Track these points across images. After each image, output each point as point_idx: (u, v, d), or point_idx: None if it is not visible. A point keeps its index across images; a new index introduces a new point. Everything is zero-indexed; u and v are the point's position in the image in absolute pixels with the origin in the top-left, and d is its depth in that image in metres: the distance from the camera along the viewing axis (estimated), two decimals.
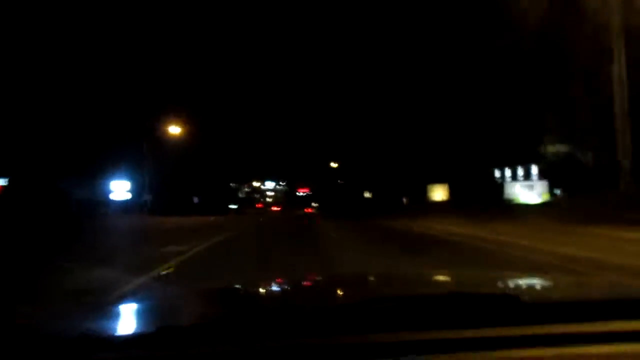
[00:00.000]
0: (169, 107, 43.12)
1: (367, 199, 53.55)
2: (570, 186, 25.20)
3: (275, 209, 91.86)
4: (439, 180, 42.42)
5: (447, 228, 16.92)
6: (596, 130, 22.72)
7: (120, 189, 45.14)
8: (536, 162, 37.42)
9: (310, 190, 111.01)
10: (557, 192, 26.92)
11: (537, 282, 2.06)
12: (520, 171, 40.66)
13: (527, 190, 27.92)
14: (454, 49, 39.50)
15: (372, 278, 2.43)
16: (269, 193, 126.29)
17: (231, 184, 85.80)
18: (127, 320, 1.57)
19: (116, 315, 1.61)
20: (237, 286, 2.28)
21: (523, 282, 2.05)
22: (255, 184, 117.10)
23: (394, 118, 46.10)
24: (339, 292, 2.01)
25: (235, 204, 71.85)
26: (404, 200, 48.90)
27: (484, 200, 30.02)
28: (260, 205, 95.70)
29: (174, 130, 40.17)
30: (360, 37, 57.02)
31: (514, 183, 29.32)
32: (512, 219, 19.37)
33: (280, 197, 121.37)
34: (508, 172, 42.67)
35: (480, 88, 37.38)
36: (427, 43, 41.99)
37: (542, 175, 35.16)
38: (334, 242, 13.00)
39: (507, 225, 17.09)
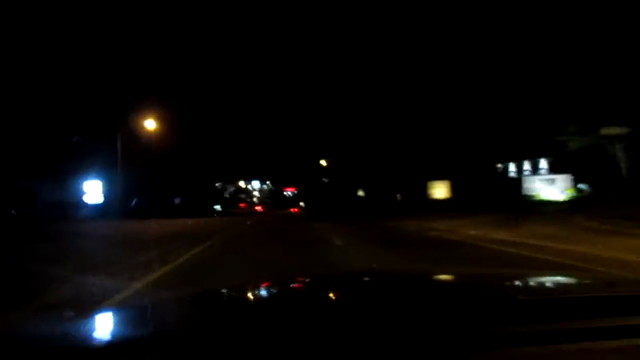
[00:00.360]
0: (147, 101, 39.57)
1: (361, 197, 50.26)
2: (598, 181, 22.35)
3: (259, 208, 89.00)
4: (438, 177, 39.47)
5: (470, 232, 13.82)
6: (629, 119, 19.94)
7: (93, 190, 41.67)
8: (546, 156, 34.78)
9: (297, 190, 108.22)
10: (583, 187, 23.93)
11: (534, 280, 2.03)
12: (526, 165, 38.00)
13: (548, 186, 24.89)
14: (452, 34, 36.73)
15: (366, 278, 2.24)
16: (255, 193, 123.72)
17: (217, 184, 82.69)
18: (114, 327, 1.47)
19: (102, 324, 1.52)
20: (223, 290, 2.10)
21: (522, 279, 2.00)
22: (241, 183, 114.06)
23: (388, 110, 43.04)
24: (330, 294, 1.87)
25: (220, 204, 68.30)
26: (398, 197, 45.95)
27: (494, 197, 27.19)
28: (243, 205, 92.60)
29: (152, 125, 36.64)
30: (350, 25, 54.06)
31: (532, 177, 26.25)
32: (543, 219, 16.35)
33: (266, 197, 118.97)
34: (512, 167, 40.09)
35: (482, 76, 34.68)
36: (423, 29, 39.15)
37: (554, 168, 32.53)
38: (344, 253, 9.78)
39: (544, 226, 14.08)
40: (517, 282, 1.92)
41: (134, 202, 41.16)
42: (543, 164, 36.20)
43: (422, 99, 39.21)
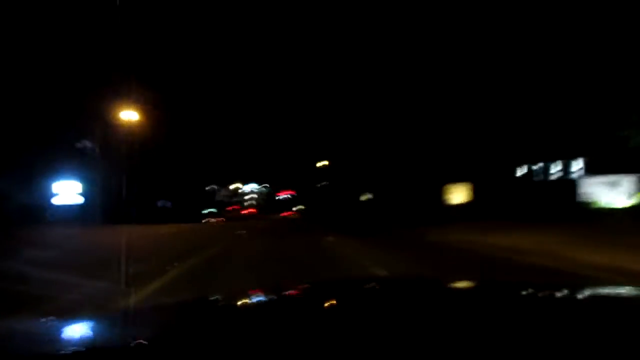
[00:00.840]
0: (130, 93, 34.68)
1: (368, 202, 45.49)
2: None
3: (250, 211, 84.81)
4: (456, 179, 34.90)
5: (592, 258, 9.16)
6: None
7: (67, 192, 36.82)
8: (583, 155, 30.46)
9: (295, 193, 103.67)
10: None
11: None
12: (556, 167, 33.58)
13: (610, 189, 20.31)
14: (473, 20, 32.42)
15: (373, 284, 2.07)
16: (249, 196, 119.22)
17: (211, 187, 78.31)
18: (92, 335, 1.39)
19: (81, 331, 1.43)
20: (214, 297, 1.95)
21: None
22: (237, 186, 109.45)
23: (397, 104, 38.60)
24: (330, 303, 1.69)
25: (210, 208, 63.45)
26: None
27: (536, 203, 22.90)
28: (232, 208, 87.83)
29: (134, 117, 31.88)
30: (357, 20, 49.66)
31: (590, 179, 21.68)
32: None
33: (262, 201, 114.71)
34: (535, 169, 35.75)
35: (508, 61, 30.40)
36: (443, 18, 34.84)
37: (592, 170, 28.32)
38: None
39: None
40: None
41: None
42: (576, 164, 31.93)
43: (437, 90, 34.82)
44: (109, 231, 19.40)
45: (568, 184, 24.66)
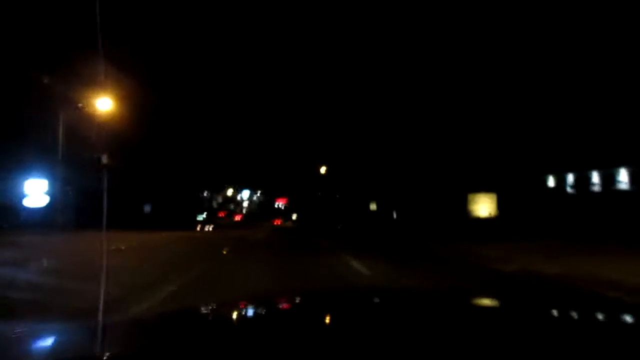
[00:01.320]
0: (112, 80, 30.14)
1: (376, 212, 41.16)
2: None
3: (238, 218, 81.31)
4: (479, 187, 30.76)
5: None
6: None
7: (35, 191, 32.19)
8: (628, 164, 26.53)
9: (290, 200, 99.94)
10: None
11: None
12: (597, 176, 29.44)
13: None
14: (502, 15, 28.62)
15: (377, 299, 1.89)
16: (243, 203, 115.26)
17: (205, 192, 74.32)
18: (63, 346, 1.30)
19: (51, 341, 1.37)
20: (203, 310, 1.85)
21: None
22: (229, 192, 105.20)
23: (409, 105, 34.56)
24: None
25: (202, 214, 59.18)
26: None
27: (580, 217, 19.09)
28: (227, 214, 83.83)
29: (107, 105, 27.37)
30: (365, 16, 45.87)
31: None
32: None
33: (255, 208, 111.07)
34: (570, 179, 31.71)
35: (537, 57, 26.68)
36: (467, 20, 31.12)
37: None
38: None
39: None
40: None
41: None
42: (623, 175, 27.93)
43: (457, 88, 30.89)
44: (58, 240, 15.29)
45: (623, 195, 20.88)
